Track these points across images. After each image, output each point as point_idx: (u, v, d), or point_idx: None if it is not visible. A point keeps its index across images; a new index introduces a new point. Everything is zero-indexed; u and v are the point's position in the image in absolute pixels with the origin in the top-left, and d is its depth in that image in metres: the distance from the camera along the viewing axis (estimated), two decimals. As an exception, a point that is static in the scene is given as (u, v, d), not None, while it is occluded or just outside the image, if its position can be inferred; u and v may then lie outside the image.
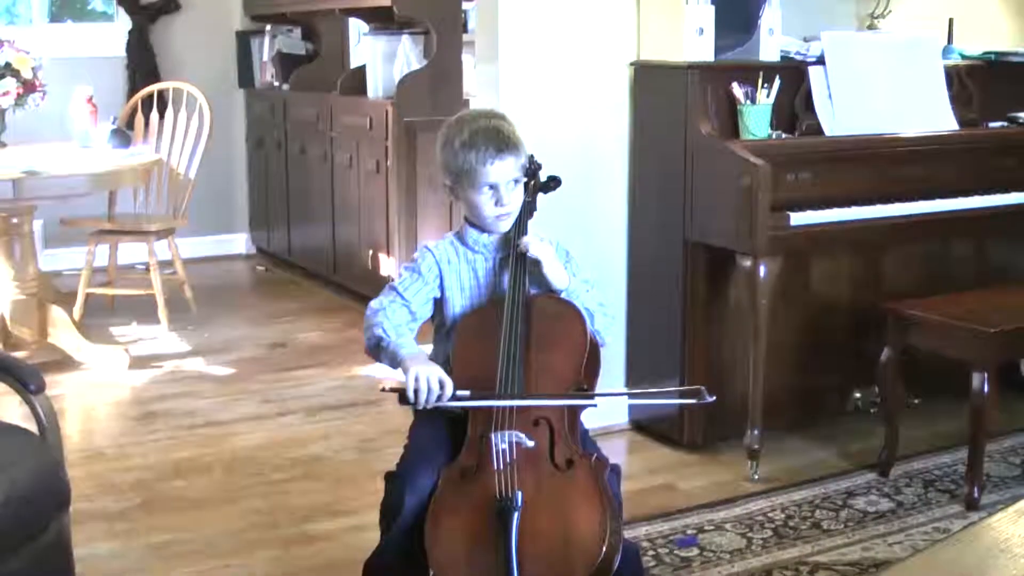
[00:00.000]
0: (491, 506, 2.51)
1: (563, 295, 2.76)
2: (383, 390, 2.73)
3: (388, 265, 5.80)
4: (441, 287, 2.79)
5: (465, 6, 5.89)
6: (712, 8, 3.96)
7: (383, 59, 6.04)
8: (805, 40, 4.24)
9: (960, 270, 4.45)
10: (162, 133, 6.10)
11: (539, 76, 4.06)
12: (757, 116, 3.88)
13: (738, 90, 3.89)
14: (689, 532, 3.45)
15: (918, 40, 4.35)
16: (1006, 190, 4.14)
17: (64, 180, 4.82)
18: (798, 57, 4.13)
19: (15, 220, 5.06)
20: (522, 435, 2.57)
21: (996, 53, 4.57)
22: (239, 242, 7.73)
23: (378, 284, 5.79)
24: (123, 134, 5.59)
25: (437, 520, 2.55)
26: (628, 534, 3.02)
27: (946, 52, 4.48)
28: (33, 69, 5.22)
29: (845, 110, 4.06)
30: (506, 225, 2.77)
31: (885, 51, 4.23)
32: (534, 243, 2.73)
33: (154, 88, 6.41)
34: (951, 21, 4.75)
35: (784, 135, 3.98)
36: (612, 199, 4.21)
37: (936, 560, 2.15)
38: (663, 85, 4.04)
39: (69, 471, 2.76)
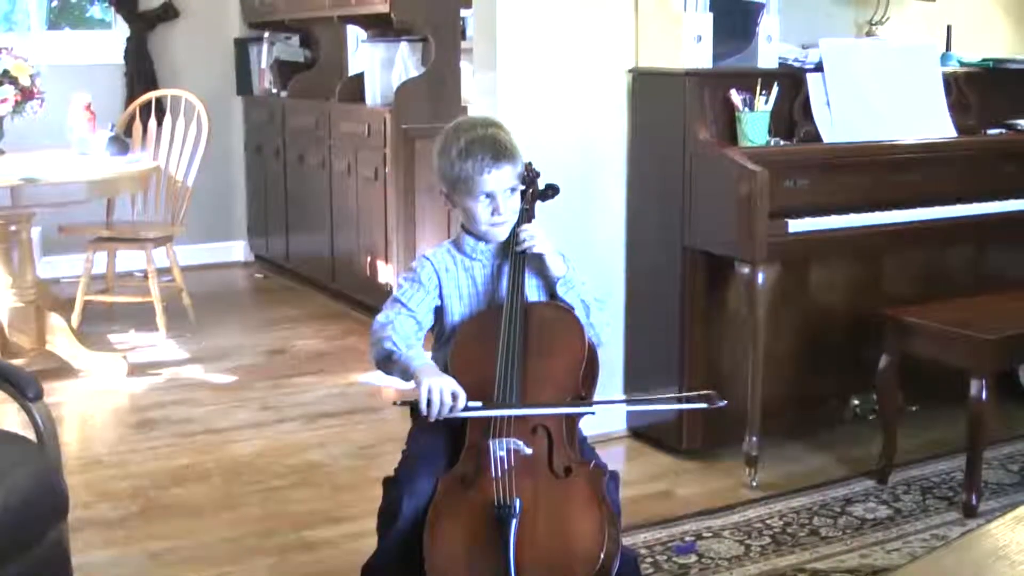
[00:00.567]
0: (490, 513, 2.52)
1: (561, 284, 2.75)
2: (396, 404, 2.73)
3: (386, 272, 5.80)
4: (440, 295, 2.80)
5: (463, 13, 5.89)
6: (710, 15, 3.96)
7: (381, 66, 6.05)
8: (803, 47, 4.24)
9: (958, 277, 4.45)
10: (160, 140, 6.10)
11: (537, 83, 4.06)
12: (755, 123, 3.88)
13: (736, 97, 3.89)
14: (687, 539, 3.45)
15: (916, 47, 4.35)
16: (1004, 197, 4.15)
17: (62, 187, 4.82)
18: (796, 64, 4.13)
19: (13, 227, 5.05)
20: (520, 442, 2.58)
21: (994, 60, 4.58)
22: (237, 249, 7.73)
23: (376, 291, 5.84)
24: (121, 141, 5.59)
25: (435, 526, 2.55)
26: (626, 541, 3.03)
27: (944, 59, 4.48)
28: (31, 76, 5.22)
29: (843, 117, 4.06)
30: (503, 233, 2.78)
31: (883, 58, 4.24)
32: (535, 236, 2.74)
33: (152, 95, 6.42)
34: (949, 28, 4.75)
35: (782, 142, 3.99)
36: (610, 207, 4.22)
37: (934, 567, 2.15)
38: (661, 92, 4.05)
39: (67, 479, 2.76)
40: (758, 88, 3.89)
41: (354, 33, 6.92)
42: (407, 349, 2.69)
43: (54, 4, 7.38)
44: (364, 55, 6.30)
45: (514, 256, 2.76)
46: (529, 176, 2.90)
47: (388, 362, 2.72)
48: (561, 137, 4.08)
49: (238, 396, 4.88)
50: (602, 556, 2.48)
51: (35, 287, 5.21)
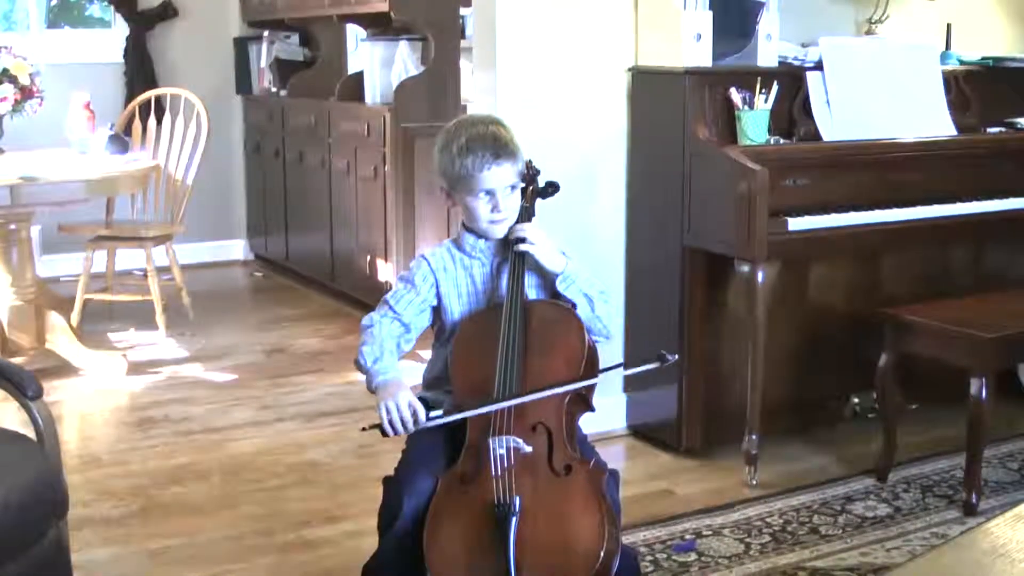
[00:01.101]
0: (489, 512, 2.52)
1: (560, 280, 2.75)
2: (363, 429, 2.72)
3: (386, 271, 5.80)
4: (438, 295, 2.80)
5: (463, 12, 5.90)
6: (710, 14, 3.96)
7: (381, 65, 6.05)
8: (803, 46, 4.24)
9: (958, 275, 4.45)
10: (160, 139, 6.10)
11: (537, 82, 4.06)
12: (755, 122, 3.88)
13: (736, 96, 3.89)
14: (687, 537, 3.45)
15: (916, 46, 4.35)
16: (1004, 195, 4.15)
17: (62, 186, 4.83)
18: (796, 63, 4.13)
19: (13, 226, 5.05)
20: (520, 441, 2.58)
21: (994, 59, 4.58)
22: (237, 248, 7.73)
23: (376, 290, 5.83)
24: (121, 140, 5.59)
25: (435, 525, 2.55)
26: (626, 539, 3.03)
27: (944, 58, 4.48)
28: (31, 75, 5.23)
29: (843, 116, 4.06)
30: (502, 230, 2.78)
31: (883, 57, 4.23)
32: (528, 231, 2.74)
33: (152, 94, 6.42)
34: (949, 27, 4.75)
35: (782, 141, 3.98)
36: (610, 205, 4.22)
37: (934, 565, 2.15)
38: (661, 91, 4.05)
39: (67, 477, 2.76)
40: (758, 87, 3.89)
41: (354, 32, 6.92)
42: (373, 362, 2.71)
43: (53, 3, 7.38)
44: (364, 54, 6.30)
45: (514, 254, 2.75)
46: (529, 174, 2.90)
47: (360, 370, 2.76)
48: (561, 135, 4.08)
49: (237, 395, 4.88)
50: (602, 554, 2.48)
51: (35, 286, 5.21)
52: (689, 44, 3.93)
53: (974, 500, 3.60)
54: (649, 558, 3.30)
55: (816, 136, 4.03)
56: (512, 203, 2.76)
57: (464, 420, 2.64)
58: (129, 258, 6.36)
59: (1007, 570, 2.02)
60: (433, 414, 2.62)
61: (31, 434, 2.74)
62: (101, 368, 5.16)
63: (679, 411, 4.06)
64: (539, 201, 2.94)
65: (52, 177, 4.78)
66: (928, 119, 4.22)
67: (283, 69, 7.10)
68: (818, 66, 4.09)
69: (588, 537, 2.49)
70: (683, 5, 3.94)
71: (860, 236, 3.89)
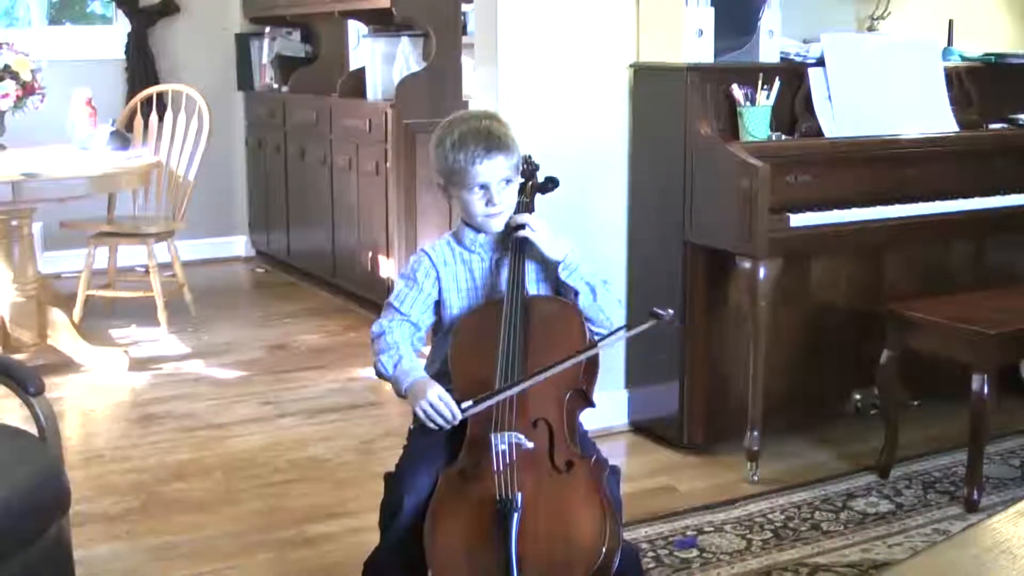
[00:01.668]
0: (491, 508, 2.51)
1: (562, 267, 2.75)
2: (411, 429, 2.75)
3: (387, 267, 5.80)
4: (439, 289, 2.80)
5: (464, 8, 5.89)
6: (712, 10, 3.96)
7: (382, 61, 6.04)
8: (805, 42, 4.24)
9: (960, 272, 4.45)
10: (161, 135, 6.10)
11: (538, 78, 4.06)
12: (757, 118, 3.88)
13: (738, 92, 3.89)
14: (688, 533, 3.45)
15: (918, 42, 4.35)
16: (1006, 192, 4.15)
17: (63, 183, 4.82)
18: (798, 59, 4.13)
19: (14, 223, 5.05)
20: (522, 436, 2.58)
21: (996, 55, 4.58)
22: (238, 244, 7.73)
23: (377, 286, 5.84)
24: (122, 136, 5.59)
25: (436, 521, 2.55)
26: (627, 535, 3.03)
27: (946, 54, 4.48)
28: (32, 71, 5.23)
29: (845, 112, 4.06)
30: (498, 224, 2.78)
31: (885, 53, 4.23)
32: (529, 217, 2.76)
33: (153, 91, 6.42)
34: (951, 23, 4.75)
35: (784, 137, 3.99)
36: (611, 201, 4.22)
37: (935, 561, 2.15)
38: (663, 87, 4.04)
39: (69, 473, 2.75)
40: (759, 83, 3.89)
41: (355, 28, 6.91)
42: (394, 368, 2.71)
43: (55, -1, 7.40)
44: (365, 50, 6.30)
45: (514, 248, 2.75)
46: (529, 169, 2.90)
47: (381, 378, 2.77)
48: (562, 131, 4.07)
49: (239, 391, 4.89)
50: (603, 551, 2.47)
51: (36, 282, 5.21)
52: (691, 40, 3.93)
53: (976, 496, 3.60)
54: (651, 554, 3.30)
55: (818, 132, 4.03)
56: (507, 197, 2.75)
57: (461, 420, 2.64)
58: (131, 254, 6.37)
59: (1009, 566, 2.02)
60: (464, 405, 2.61)
61: (33, 430, 2.74)
62: (103, 364, 5.16)
63: (680, 407, 4.06)
64: (539, 197, 2.94)
65: (54, 173, 4.78)
66: (930, 115, 4.22)
67: (285, 65, 7.10)
68: (820, 62, 4.09)
69: (589, 533, 2.49)
70: (685, 1, 3.94)
71: (862, 232, 3.88)
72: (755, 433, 3.83)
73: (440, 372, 2.77)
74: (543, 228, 2.76)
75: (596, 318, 2.75)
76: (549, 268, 2.79)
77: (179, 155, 6.04)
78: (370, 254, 5.98)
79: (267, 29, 7.27)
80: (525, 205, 2.84)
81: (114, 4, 7.25)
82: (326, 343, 5.63)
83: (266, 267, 7.39)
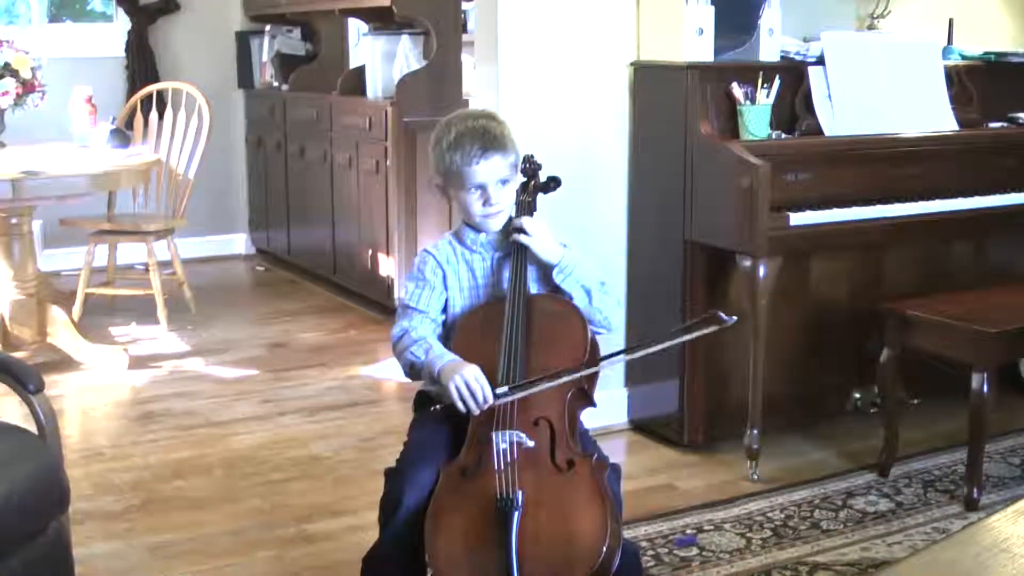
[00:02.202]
0: (491, 506, 2.51)
1: (556, 271, 2.75)
2: (434, 410, 2.72)
3: (387, 265, 5.80)
4: (445, 287, 2.80)
5: (465, 6, 5.89)
6: (712, 8, 3.96)
7: (382, 59, 6.04)
8: (805, 40, 4.24)
9: (960, 270, 4.45)
10: (161, 133, 6.10)
11: (539, 76, 4.06)
12: (757, 116, 3.88)
13: (738, 90, 3.89)
14: (688, 532, 3.45)
15: (918, 41, 4.35)
16: (1006, 190, 4.15)
17: (63, 180, 4.82)
18: (798, 57, 4.13)
19: (14, 220, 5.05)
20: (523, 435, 2.58)
21: (996, 53, 4.57)
22: (238, 242, 7.73)
23: (377, 284, 5.84)
24: (122, 134, 5.59)
25: (437, 519, 2.54)
26: (628, 534, 3.03)
27: (946, 52, 4.48)
28: (32, 69, 5.22)
29: (845, 110, 4.06)
30: (496, 224, 2.78)
31: (885, 51, 4.23)
32: (527, 222, 2.75)
33: (153, 88, 6.41)
34: (951, 21, 4.75)
35: (784, 135, 3.99)
36: (612, 199, 4.22)
37: (935, 560, 2.15)
38: (663, 85, 4.04)
39: (68, 471, 2.76)
40: (759, 81, 3.89)
41: (355, 26, 6.91)
42: (426, 354, 2.69)
43: (55, -3, 7.39)
44: (365, 48, 6.30)
45: (515, 248, 2.75)
46: (530, 168, 2.90)
47: (414, 372, 2.74)
48: (562, 130, 4.07)
49: (239, 389, 4.89)
50: (604, 549, 2.47)
51: (36, 280, 5.21)
52: (691, 38, 3.93)
53: (975, 495, 3.60)
54: (650, 552, 3.30)
55: (818, 131, 4.03)
56: (505, 196, 2.75)
57: (468, 414, 2.64)
58: (131, 252, 6.37)
59: (1008, 565, 2.02)
60: (499, 391, 2.59)
61: (32, 428, 2.74)
62: (103, 362, 5.16)
63: (681, 405, 4.06)
64: (540, 196, 2.93)
65: (54, 171, 4.78)
66: (930, 114, 4.22)
67: (285, 63, 7.09)
68: (820, 61, 4.09)
69: (590, 532, 2.49)
70: (685, 0, 3.94)
71: (862, 231, 3.88)
72: (755, 432, 3.83)
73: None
74: (540, 232, 2.75)
75: (594, 319, 2.75)
76: (547, 272, 2.79)
77: (179, 153, 6.04)
78: (370, 252, 5.98)
79: (267, 27, 7.27)
80: (527, 205, 2.84)
81: (114, 2, 7.24)
82: (326, 341, 5.63)
83: (266, 265, 7.39)
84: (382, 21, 6.20)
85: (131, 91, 6.86)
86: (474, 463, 2.59)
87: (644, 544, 3.34)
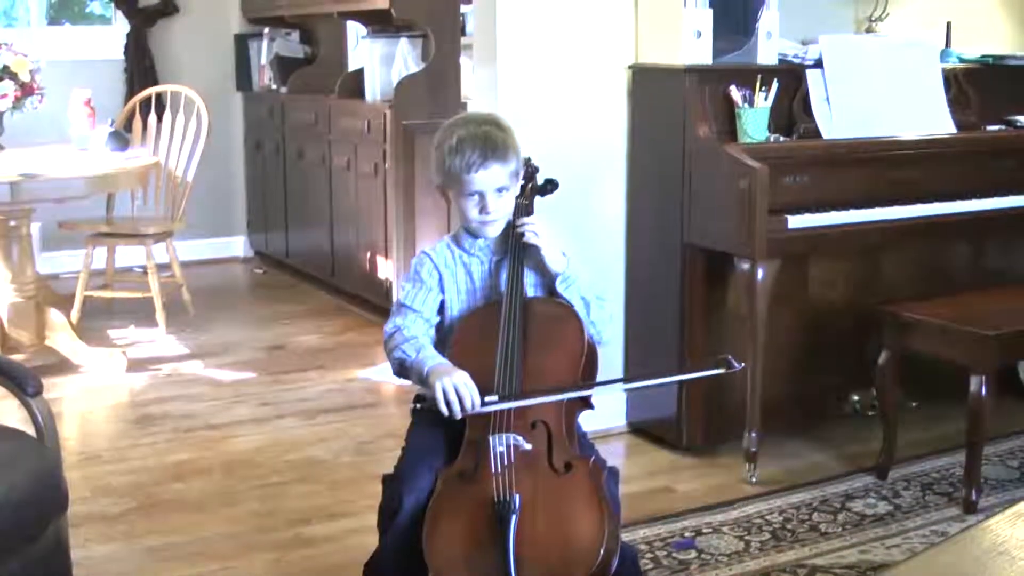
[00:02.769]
0: (489, 509, 2.51)
1: (560, 280, 2.75)
2: (415, 408, 2.72)
3: (386, 268, 5.80)
4: (441, 289, 2.80)
5: (463, 9, 5.89)
6: (710, 11, 3.96)
7: (381, 62, 6.04)
8: (803, 43, 4.24)
9: (958, 273, 4.45)
10: (160, 136, 6.10)
11: (537, 79, 4.06)
12: (755, 119, 3.88)
13: (736, 93, 3.89)
14: (687, 535, 3.45)
15: (916, 43, 4.35)
16: (1004, 193, 4.15)
17: (62, 183, 4.83)
18: (796, 60, 4.13)
19: (13, 223, 5.05)
20: (520, 438, 2.58)
21: (994, 56, 4.58)
22: (237, 245, 7.73)
23: (376, 287, 5.84)
24: (121, 137, 5.58)
25: (435, 523, 2.54)
26: (626, 537, 3.02)
27: (944, 55, 4.48)
28: (31, 72, 5.23)
29: (843, 113, 4.06)
30: (493, 231, 2.77)
31: (883, 54, 4.23)
32: (534, 227, 2.74)
33: (152, 91, 6.42)
34: (949, 24, 4.75)
35: (782, 138, 3.99)
36: (610, 202, 4.22)
37: (934, 563, 2.15)
38: (661, 88, 4.05)
39: (67, 474, 2.76)
40: (758, 84, 3.89)
41: (354, 29, 6.92)
42: (417, 353, 2.69)
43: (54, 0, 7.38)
44: (364, 51, 6.30)
45: (513, 251, 2.75)
46: (528, 171, 2.90)
47: (403, 370, 2.73)
48: (561, 133, 4.07)
49: (237, 392, 4.89)
50: (602, 552, 2.47)
51: (35, 283, 5.21)
52: (689, 41, 3.93)
53: (974, 498, 3.60)
54: (649, 555, 3.30)
55: (816, 134, 4.03)
56: (503, 205, 2.74)
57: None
58: (129, 255, 6.36)
59: (1007, 568, 2.03)
60: (488, 399, 2.59)
61: (31, 431, 2.74)
62: (101, 365, 5.16)
63: (679, 408, 4.06)
64: (538, 199, 2.93)
65: (52, 174, 4.78)
66: (928, 117, 4.22)
67: (283, 66, 7.09)
68: (818, 64, 4.09)
69: (588, 535, 2.49)
70: (683, 2, 3.94)
71: (860, 234, 3.89)
72: (753, 434, 3.83)
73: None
74: (547, 238, 2.75)
75: (589, 332, 2.75)
76: (546, 278, 2.78)
77: (178, 155, 6.04)
78: (369, 254, 5.98)
79: (266, 30, 7.27)
80: (524, 207, 2.84)
81: (113, 4, 7.25)
82: (325, 344, 5.63)
83: (264, 268, 7.39)
84: (381, 24, 6.20)
85: (130, 94, 6.86)
86: (472, 466, 2.58)
87: (642, 547, 3.34)
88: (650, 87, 4.11)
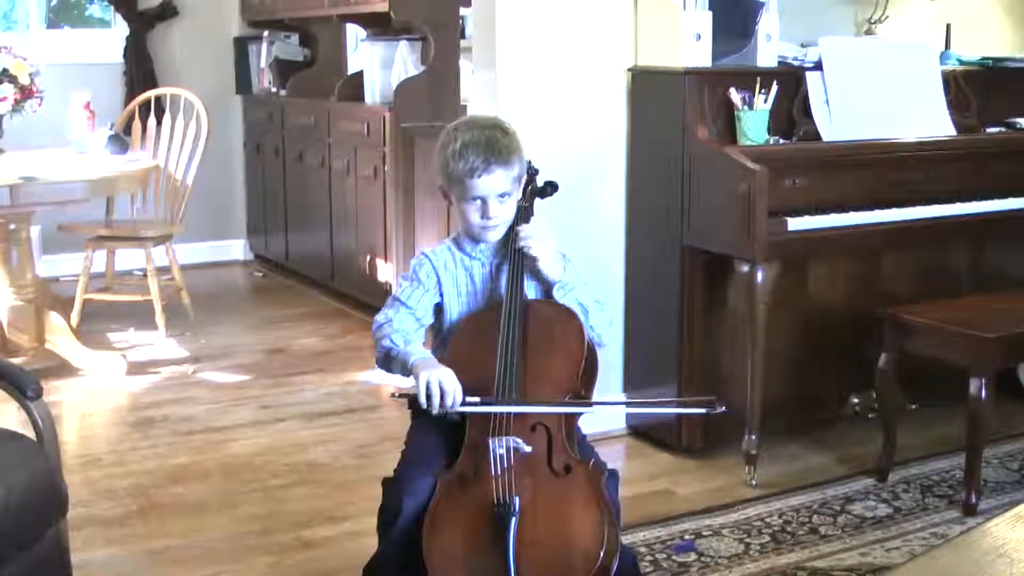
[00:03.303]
0: (489, 512, 2.51)
1: (557, 288, 2.75)
2: (393, 396, 2.74)
3: (386, 271, 5.80)
4: (440, 292, 2.80)
5: (463, 12, 5.89)
6: (710, 14, 3.96)
7: (380, 65, 6.04)
8: (803, 46, 4.23)
9: (958, 275, 4.45)
10: (160, 139, 6.09)
11: (537, 82, 4.06)
12: (755, 122, 3.88)
13: (736, 96, 3.89)
14: (687, 537, 3.45)
15: (916, 46, 4.35)
16: (1004, 195, 4.15)
17: (61, 186, 4.82)
18: (796, 63, 4.13)
19: (13, 226, 5.05)
20: (520, 441, 2.57)
21: (993, 59, 4.58)
22: (237, 248, 7.73)
23: (376, 290, 5.84)
24: (120, 140, 5.59)
25: (435, 526, 2.54)
26: (626, 540, 3.03)
27: (944, 57, 4.48)
28: (30, 75, 5.23)
29: (842, 116, 4.06)
30: (494, 236, 2.77)
31: (883, 57, 4.23)
32: (534, 239, 2.73)
33: (152, 94, 6.42)
34: (948, 27, 4.76)
35: (782, 141, 3.98)
36: (610, 205, 4.22)
37: (933, 565, 2.15)
38: (661, 91, 4.05)
39: (66, 477, 2.76)
40: (757, 87, 3.89)
41: (353, 32, 6.92)
42: (405, 345, 2.70)
43: (53, 3, 7.38)
44: (363, 54, 6.30)
45: (514, 255, 2.75)
46: (528, 173, 2.90)
47: (388, 360, 2.73)
48: (560, 135, 4.08)
49: (237, 395, 4.88)
50: (602, 555, 2.48)
51: (34, 286, 5.21)
52: (689, 44, 3.93)
53: (974, 500, 3.60)
54: (648, 558, 3.30)
55: (815, 136, 4.03)
56: (504, 210, 2.74)
57: (464, 419, 2.64)
58: (129, 258, 6.37)
59: (1007, 570, 2.02)
60: (470, 399, 2.59)
61: (31, 434, 2.74)
62: (101, 368, 5.16)
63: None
64: (537, 201, 2.93)
65: (52, 177, 4.78)
66: (928, 119, 4.22)
67: (283, 69, 7.10)
68: (817, 66, 4.09)
69: (588, 537, 2.49)
70: (683, 5, 3.94)
71: (860, 236, 3.88)
72: (753, 437, 3.83)
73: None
74: (545, 246, 2.74)
75: (589, 336, 2.75)
76: (545, 286, 2.78)
77: (177, 159, 6.04)
78: (368, 258, 5.98)
79: (265, 33, 7.27)
80: (524, 210, 2.84)
81: (112, 8, 7.25)
82: (324, 347, 5.63)
83: (264, 271, 7.39)
84: (380, 27, 6.21)
85: (129, 97, 6.86)
86: (471, 469, 2.59)
87: (642, 550, 3.34)
88: (650, 89, 4.11)
